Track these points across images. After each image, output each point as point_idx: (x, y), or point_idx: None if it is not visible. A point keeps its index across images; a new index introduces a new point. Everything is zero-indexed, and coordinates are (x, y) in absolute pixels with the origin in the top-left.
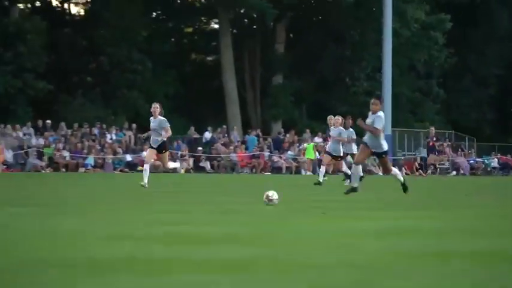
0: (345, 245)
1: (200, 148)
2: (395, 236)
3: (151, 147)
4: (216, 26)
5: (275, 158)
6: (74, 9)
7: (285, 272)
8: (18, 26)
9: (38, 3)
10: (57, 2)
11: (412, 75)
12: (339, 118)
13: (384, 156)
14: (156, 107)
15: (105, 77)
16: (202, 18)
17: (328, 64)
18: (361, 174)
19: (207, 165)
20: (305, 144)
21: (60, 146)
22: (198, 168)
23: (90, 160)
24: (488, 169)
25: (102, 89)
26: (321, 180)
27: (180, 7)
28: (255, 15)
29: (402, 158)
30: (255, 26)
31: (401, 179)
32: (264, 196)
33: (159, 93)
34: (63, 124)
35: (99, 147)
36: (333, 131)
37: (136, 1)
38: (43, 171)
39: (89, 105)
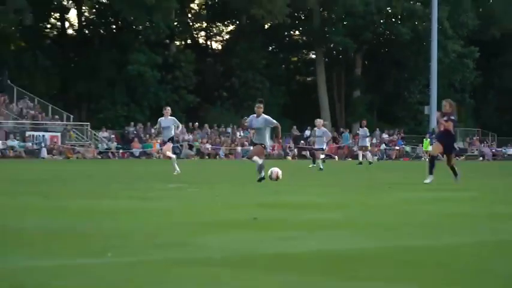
0: (406, 210)
1: (302, 142)
2: (443, 202)
3: (164, 141)
4: (313, 56)
5: (355, 148)
6: (214, 45)
7: (359, 230)
8: (175, 57)
9: (189, 41)
10: (202, 40)
11: (451, 90)
12: (321, 121)
13: (262, 146)
14: (168, 110)
15: (236, 93)
16: (304, 51)
17: (391, 83)
18: (260, 162)
19: (307, 154)
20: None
21: (204, 140)
22: (300, 156)
23: (222, 151)
24: (505, 156)
25: (233, 101)
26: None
27: (288, 43)
28: (340, 49)
29: None
30: (340, 56)
31: (263, 174)
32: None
33: (273, 103)
34: (206, 125)
35: (230, 141)
36: (318, 132)
37: (257, 39)
38: (192, 159)
39: (225, 112)
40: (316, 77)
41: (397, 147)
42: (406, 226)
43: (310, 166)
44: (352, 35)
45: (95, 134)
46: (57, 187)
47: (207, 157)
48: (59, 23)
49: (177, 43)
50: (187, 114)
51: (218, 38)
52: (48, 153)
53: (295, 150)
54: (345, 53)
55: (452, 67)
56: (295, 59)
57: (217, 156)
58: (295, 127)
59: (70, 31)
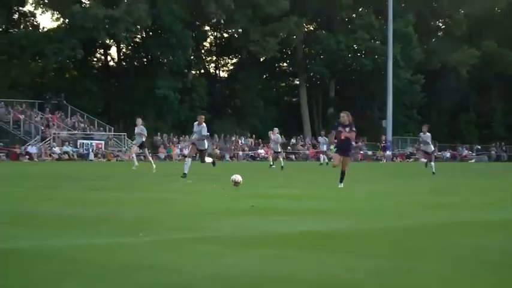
0: (372, 200)
1: (289, 147)
2: (403, 195)
3: (135, 145)
4: (297, 82)
5: (329, 153)
6: (222, 74)
7: (338, 213)
8: (192, 83)
9: (202, 71)
10: (212, 70)
11: (402, 108)
12: (276, 129)
13: (203, 151)
14: (139, 120)
15: (238, 111)
16: (290, 78)
17: (358, 102)
18: (189, 164)
19: (292, 157)
20: (331, 146)
21: (214, 146)
22: (288, 159)
23: (227, 155)
24: (444, 158)
25: (237, 117)
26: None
27: (278, 72)
28: (318, 76)
29: (397, 152)
30: (318, 82)
31: (186, 169)
32: (233, 181)
33: (268, 118)
34: (215, 135)
35: (233, 147)
36: (274, 137)
37: (255, 69)
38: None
39: (230, 125)
40: (300, 98)
41: (361, 152)
42: (373, 212)
43: (272, 166)
44: (327, 66)
45: (130, 142)
46: (103, 182)
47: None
48: (103, 57)
49: (193, 72)
50: None
51: (224, 68)
52: (94, 157)
53: (284, 153)
54: (321, 79)
55: (403, 90)
56: (284, 84)
57: (223, 159)
58: (283, 136)
59: (111, 63)
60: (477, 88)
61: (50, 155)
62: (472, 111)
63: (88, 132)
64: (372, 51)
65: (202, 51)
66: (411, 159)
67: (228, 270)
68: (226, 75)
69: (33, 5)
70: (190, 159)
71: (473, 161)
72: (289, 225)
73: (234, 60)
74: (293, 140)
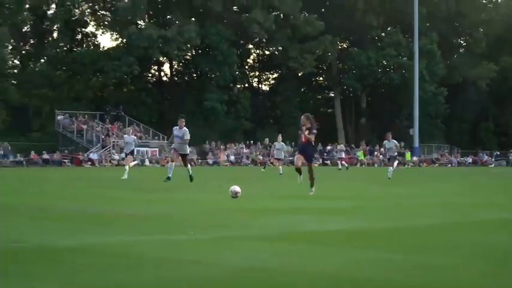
0: (394, 201)
1: (325, 154)
2: (419, 196)
3: (126, 153)
4: (332, 95)
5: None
6: (264, 87)
7: (358, 210)
8: (237, 96)
9: (246, 85)
10: (255, 84)
11: (427, 118)
12: (280, 137)
13: (186, 156)
14: (129, 129)
15: (279, 121)
16: (325, 91)
17: (388, 113)
18: (172, 168)
19: (329, 162)
20: (358, 153)
21: (257, 152)
22: (324, 164)
23: (269, 160)
24: (466, 163)
25: (277, 126)
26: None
27: (315, 86)
28: (351, 89)
29: (423, 156)
30: (351, 95)
31: (170, 173)
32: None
33: None
34: (258, 143)
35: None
36: (278, 145)
37: (293, 83)
38: (249, 166)
39: (272, 133)
40: (334, 109)
41: None
42: (400, 212)
43: (262, 170)
44: (359, 80)
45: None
46: (158, 184)
47: (259, 164)
48: (157, 73)
49: (238, 86)
50: (245, 135)
51: (266, 82)
52: (149, 163)
53: (320, 160)
54: (354, 92)
55: (428, 102)
56: (320, 97)
57: (266, 164)
58: (320, 144)
59: (165, 78)
60: (495, 100)
61: (110, 161)
62: (491, 120)
63: (144, 141)
64: (400, 67)
65: (246, 67)
66: (436, 164)
67: (263, 263)
68: (268, 89)
69: (95, 26)
70: (173, 164)
71: (492, 165)
72: (325, 224)
73: (275, 75)
74: (329, 147)
